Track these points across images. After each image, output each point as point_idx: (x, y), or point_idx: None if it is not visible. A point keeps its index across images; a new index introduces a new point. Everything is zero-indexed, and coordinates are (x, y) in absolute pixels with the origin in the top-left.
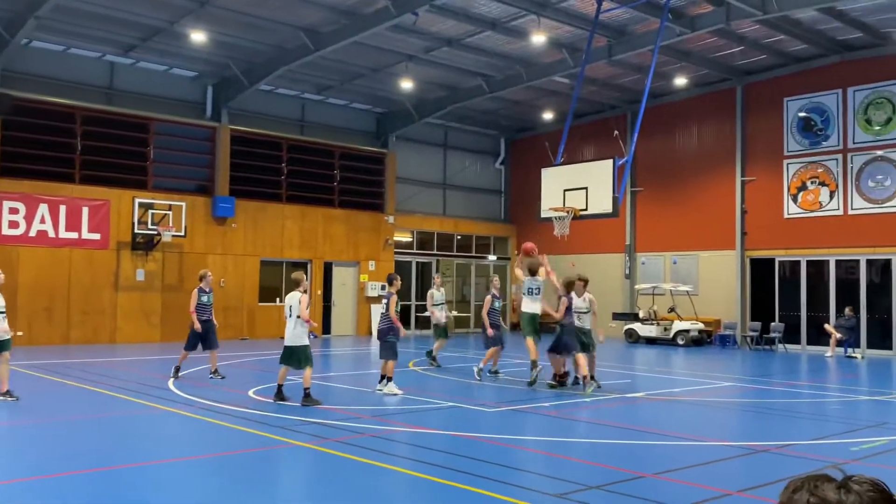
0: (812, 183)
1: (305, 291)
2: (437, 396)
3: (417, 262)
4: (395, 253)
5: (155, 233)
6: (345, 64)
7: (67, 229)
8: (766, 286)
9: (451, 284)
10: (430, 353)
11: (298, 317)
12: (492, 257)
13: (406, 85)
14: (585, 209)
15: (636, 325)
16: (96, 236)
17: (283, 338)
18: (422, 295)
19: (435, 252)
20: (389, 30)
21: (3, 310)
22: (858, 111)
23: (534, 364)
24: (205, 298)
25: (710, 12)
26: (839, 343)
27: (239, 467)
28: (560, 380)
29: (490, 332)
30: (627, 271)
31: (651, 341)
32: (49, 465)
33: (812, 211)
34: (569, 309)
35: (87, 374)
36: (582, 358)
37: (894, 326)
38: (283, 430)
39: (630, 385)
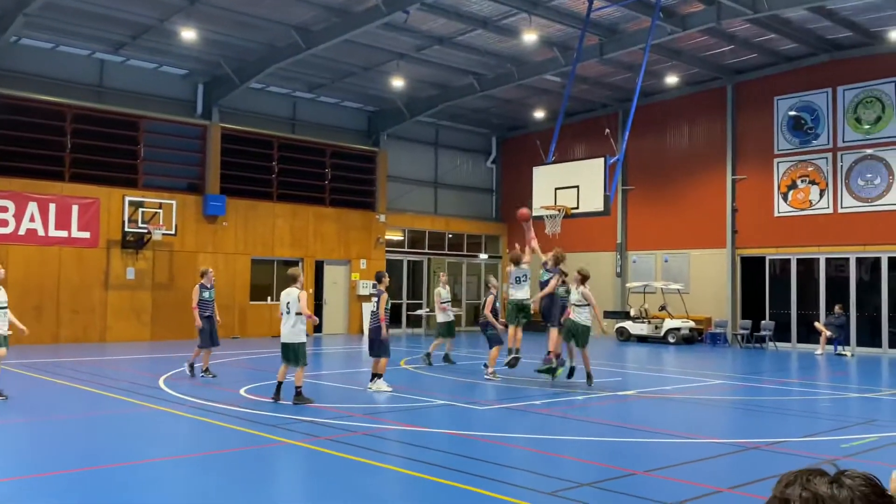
0: (802, 181)
1: (303, 287)
2: (429, 394)
3: (409, 261)
4: (387, 251)
5: (145, 231)
6: (336, 62)
7: (57, 228)
8: (756, 284)
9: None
10: (447, 357)
11: (298, 313)
12: (483, 256)
13: (397, 83)
14: (577, 208)
15: (627, 324)
16: (86, 235)
17: (275, 336)
18: (413, 293)
19: (426, 251)
20: (381, 28)
21: (5, 305)
22: (848, 110)
23: (509, 351)
24: (206, 295)
25: (700, 11)
26: (829, 341)
27: (231, 466)
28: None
29: (500, 328)
30: (619, 270)
31: (642, 339)
32: (39, 465)
33: (802, 209)
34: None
35: (78, 373)
36: (554, 332)
37: (883, 324)
38: (275, 428)
39: (621, 383)
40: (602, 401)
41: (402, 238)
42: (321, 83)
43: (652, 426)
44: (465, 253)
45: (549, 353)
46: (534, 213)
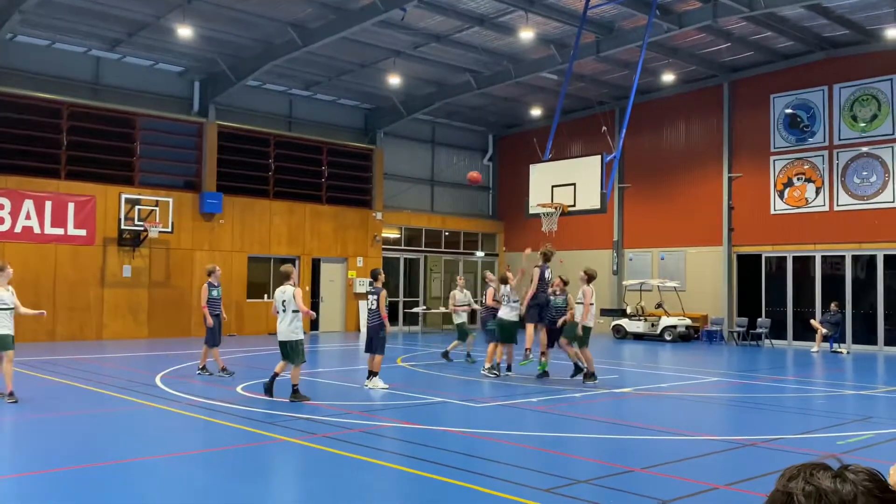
0: (798, 179)
1: (296, 284)
2: (425, 392)
3: (405, 259)
4: (383, 249)
5: (142, 229)
6: (332, 60)
7: (53, 225)
8: (752, 282)
9: (439, 281)
10: (469, 356)
11: (295, 311)
12: (480, 254)
13: (394, 81)
14: (573, 205)
15: (624, 321)
16: (82, 232)
17: (272, 333)
18: (410, 291)
19: (423, 248)
20: (377, 25)
21: (10, 306)
22: (844, 108)
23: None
24: (215, 293)
25: (697, 9)
26: (825, 338)
27: (229, 463)
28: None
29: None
30: (615, 267)
31: (638, 337)
32: (36, 462)
33: (798, 207)
34: (541, 280)
35: (74, 371)
36: (530, 328)
37: (879, 322)
38: (272, 425)
39: (618, 380)
40: (598, 398)
41: (399, 236)
42: (317, 81)
43: (648, 423)
44: (461, 251)
45: (526, 349)
46: (531, 211)
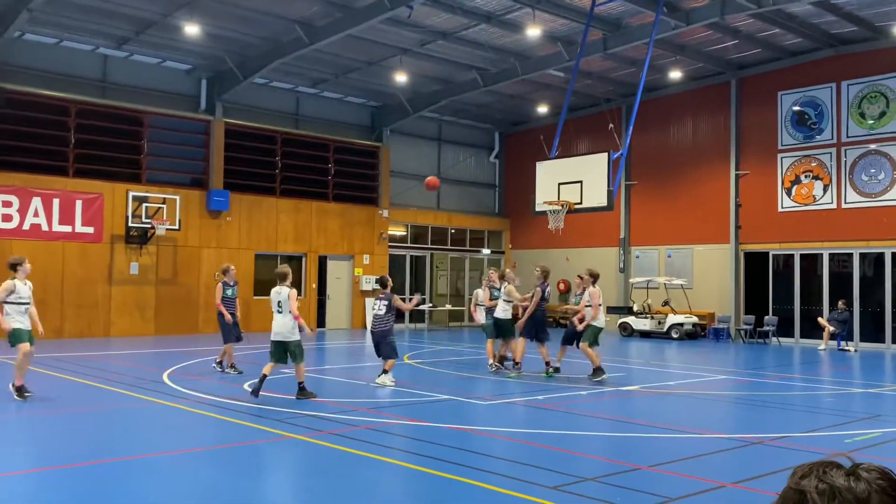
0: (806, 177)
1: (292, 286)
2: (432, 389)
3: (412, 256)
4: (390, 247)
5: (149, 226)
6: (339, 57)
7: (61, 223)
8: (759, 280)
9: (446, 278)
10: (503, 360)
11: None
12: (486, 251)
13: (400, 78)
14: (580, 203)
15: (630, 319)
16: (90, 230)
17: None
18: (416, 289)
19: (429, 246)
20: (384, 23)
21: (27, 301)
22: (852, 105)
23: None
24: (229, 292)
25: (704, 6)
26: (832, 336)
27: (234, 459)
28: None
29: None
30: (622, 265)
31: (645, 335)
32: (43, 459)
33: (806, 204)
34: (542, 298)
35: (82, 368)
36: (522, 342)
37: (887, 319)
38: (278, 422)
39: (625, 378)
40: (605, 396)
41: (405, 233)
42: (324, 78)
43: (655, 421)
44: (468, 248)
45: (515, 363)
46: (537, 209)
